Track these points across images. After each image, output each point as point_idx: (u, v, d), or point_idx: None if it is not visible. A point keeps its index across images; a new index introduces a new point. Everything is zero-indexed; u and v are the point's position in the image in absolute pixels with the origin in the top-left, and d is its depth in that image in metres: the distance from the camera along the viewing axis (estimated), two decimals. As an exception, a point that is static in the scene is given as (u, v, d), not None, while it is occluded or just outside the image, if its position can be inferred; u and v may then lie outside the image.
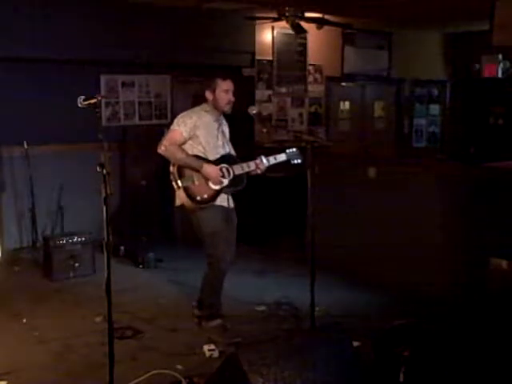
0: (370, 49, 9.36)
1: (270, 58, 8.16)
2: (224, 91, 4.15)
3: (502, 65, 7.53)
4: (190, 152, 4.11)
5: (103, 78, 6.95)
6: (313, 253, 3.79)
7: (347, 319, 4.01)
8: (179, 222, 6.41)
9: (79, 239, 5.58)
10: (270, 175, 5.06)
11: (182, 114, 4.22)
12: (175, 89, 7.53)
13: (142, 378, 3.43)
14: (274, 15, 7.03)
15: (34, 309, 4.73)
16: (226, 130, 4.37)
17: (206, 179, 4.08)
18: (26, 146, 6.21)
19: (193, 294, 4.55)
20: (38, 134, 6.25)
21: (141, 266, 5.89)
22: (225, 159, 4.18)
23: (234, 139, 4.42)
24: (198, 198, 4.06)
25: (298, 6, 6.89)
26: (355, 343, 3.62)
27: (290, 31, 7.32)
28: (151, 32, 6.59)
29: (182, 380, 3.41)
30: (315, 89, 8.76)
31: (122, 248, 6.17)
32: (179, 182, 4.05)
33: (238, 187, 4.23)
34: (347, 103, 9.32)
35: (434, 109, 10.45)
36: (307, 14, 7.15)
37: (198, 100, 4.33)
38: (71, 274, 5.49)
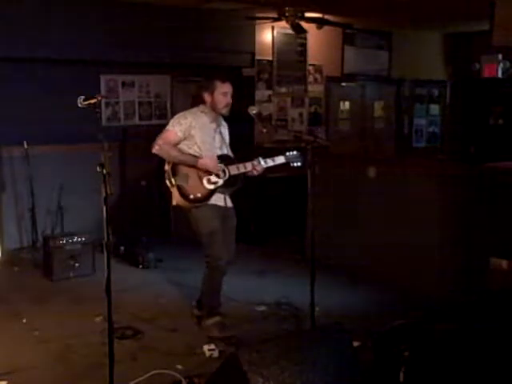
0: (370, 49, 9.36)
1: (270, 58, 8.16)
2: (222, 94, 4.13)
3: (502, 65, 7.51)
4: (186, 152, 4.11)
5: (103, 78, 6.96)
6: (313, 253, 3.79)
7: (347, 319, 4.00)
8: (179, 221, 6.42)
9: (79, 239, 5.57)
10: (270, 175, 5.07)
11: (177, 115, 4.22)
12: (175, 89, 7.54)
13: (142, 378, 3.43)
14: (274, 15, 7.03)
15: (34, 309, 4.73)
16: (226, 132, 4.35)
17: (201, 178, 4.07)
18: (26, 145, 6.21)
19: (193, 294, 4.55)
20: (38, 134, 6.25)
21: (141, 266, 5.89)
22: (221, 159, 4.16)
23: (234, 139, 4.41)
24: (191, 196, 4.05)
25: (297, 6, 6.89)
26: (355, 343, 3.62)
27: (290, 31, 7.32)
28: (151, 32, 6.59)
29: (182, 380, 3.41)
30: (315, 89, 8.76)
31: (122, 248, 6.17)
32: (173, 179, 4.04)
33: (234, 187, 4.21)
34: (347, 103, 9.32)
35: (434, 109, 10.45)
36: (307, 14, 7.14)
37: (197, 100, 4.32)
38: (71, 274, 5.49)
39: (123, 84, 7.15)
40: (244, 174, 4.22)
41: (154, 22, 6.62)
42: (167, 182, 4.08)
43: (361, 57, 9.20)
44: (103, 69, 6.88)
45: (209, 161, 4.07)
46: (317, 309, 3.96)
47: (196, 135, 4.11)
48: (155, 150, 4.08)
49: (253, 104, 6.07)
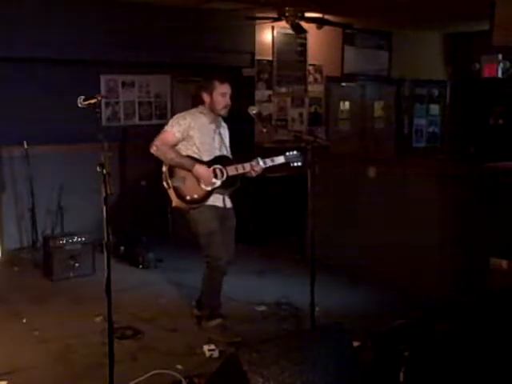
0: (370, 49, 9.36)
1: (270, 58, 8.16)
2: (221, 94, 4.11)
3: (502, 65, 7.51)
4: (184, 153, 4.10)
5: (103, 78, 6.96)
6: (313, 253, 3.79)
7: (347, 319, 4.00)
8: (177, 222, 6.42)
9: (79, 239, 5.57)
10: (270, 175, 5.07)
11: (176, 116, 4.21)
12: (175, 89, 7.54)
13: (142, 378, 3.43)
14: (274, 15, 7.03)
15: (34, 309, 4.73)
16: (225, 133, 4.33)
17: (198, 179, 4.06)
18: (26, 145, 6.21)
19: (193, 294, 4.55)
20: (38, 134, 6.25)
21: (141, 266, 5.89)
22: (219, 160, 4.15)
23: (234, 139, 4.41)
24: (188, 197, 4.05)
25: (297, 6, 6.89)
26: (355, 343, 3.62)
27: (290, 31, 7.32)
28: (151, 32, 6.59)
29: (182, 380, 3.41)
30: (315, 89, 8.76)
31: (122, 248, 6.17)
32: (169, 181, 4.04)
33: (230, 189, 4.20)
34: (347, 103, 9.32)
35: (434, 109, 10.45)
36: (307, 14, 7.14)
37: (197, 100, 4.32)
38: (71, 274, 5.49)
39: (123, 84, 7.15)
40: (242, 174, 4.21)
41: (154, 22, 6.62)
42: (164, 183, 4.09)
43: (361, 57, 9.20)
44: (103, 69, 6.88)
45: (202, 171, 4.04)
46: (317, 309, 3.96)
47: (195, 136, 4.09)
48: (152, 150, 4.08)
49: (253, 104, 6.07)
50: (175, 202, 4.09)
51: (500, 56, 7.46)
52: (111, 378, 3.04)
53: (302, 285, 4.11)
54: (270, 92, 8.23)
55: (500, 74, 7.56)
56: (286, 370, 2.80)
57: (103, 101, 6.81)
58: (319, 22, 7.50)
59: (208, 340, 4.01)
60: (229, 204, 4.25)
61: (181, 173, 4.06)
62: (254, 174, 4.22)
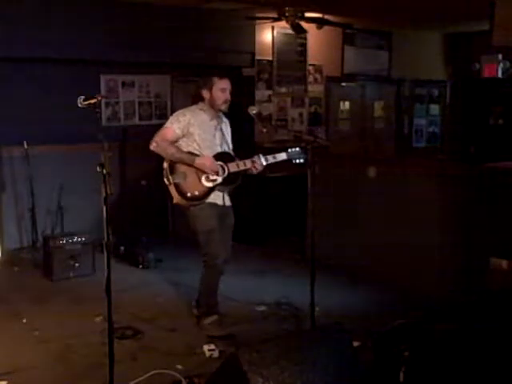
0: (370, 49, 9.36)
1: (270, 58, 8.16)
2: (221, 90, 4.10)
3: (502, 65, 7.51)
4: (185, 149, 4.09)
5: (103, 78, 6.96)
6: (313, 253, 3.79)
7: (347, 319, 4.01)
8: (178, 221, 6.42)
9: (79, 239, 5.57)
10: (270, 175, 5.07)
11: (176, 112, 4.20)
12: (175, 89, 7.54)
13: (142, 378, 3.43)
14: (274, 15, 7.03)
15: (34, 309, 4.73)
16: (227, 129, 4.32)
17: (199, 176, 4.05)
18: (26, 146, 6.21)
19: (192, 294, 4.55)
20: (38, 134, 6.25)
21: (141, 266, 5.89)
22: (220, 157, 4.13)
23: (234, 139, 4.40)
24: (189, 194, 4.04)
25: (297, 6, 6.89)
26: (355, 343, 3.62)
27: (290, 31, 7.32)
28: (151, 32, 6.59)
29: (182, 380, 3.41)
30: (315, 89, 8.76)
31: (122, 248, 6.17)
32: (170, 177, 4.03)
33: (231, 185, 4.19)
34: (347, 103, 9.33)
35: (434, 109, 10.46)
36: (307, 14, 7.15)
37: (197, 99, 4.31)
38: (71, 274, 5.49)
39: (123, 84, 7.15)
40: (244, 171, 4.20)
41: (154, 22, 6.62)
42: (165, 179, 4.07)
43: (361, 57, 9.21)
44: (103, 69, 6.88)
45: (206, 161, 4.04)
46: (317, 309, 3.96)
47: (195, 133, 4.09)
48: (152, 146, 4.07)
49: (253, 104, 6.07)
50: (176, 198, 4.08)
51: (500, 56, 7.45)
52: (111, 378, 3.04)
53: (302, 285, 4.11)
54: (270, 92, 8.23)
55: (500, 74, 7.56)
56: (286, 369, 2.80)
57: (103, 101, 6.81)
58: (319, 22, 7.50)
59: (208, 339, 4.01)
60: (228, 202, 4.25)
61: (181, 169, 4.05)
62: (255, 171, 4.20)
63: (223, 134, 4.24)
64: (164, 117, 7.40)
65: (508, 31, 5.02)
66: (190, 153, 4.09)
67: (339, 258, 5.52)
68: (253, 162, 4.15)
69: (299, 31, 7.24)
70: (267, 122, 7.90)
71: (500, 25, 5.08)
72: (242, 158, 4.25)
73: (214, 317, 4.23)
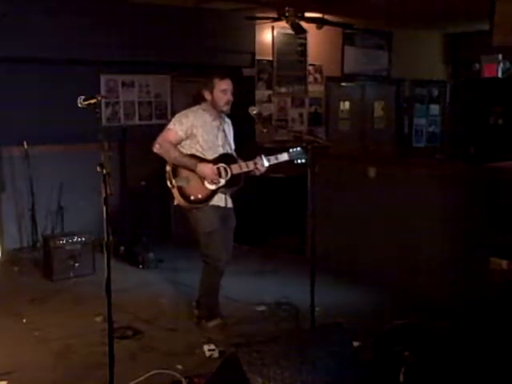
0: (370, 49, 9.37)
1: (270, 58, 8.17)
2: (222, 91, 4.08)
3: (502, 65, 7.53)
4: (188, 151, 4.07)
5: (103, 78, 6.96)
6: (313, 253, 3.79)
7: (347, 319, 4.01)
8: (179, 221, 6.42)
9: (79, 239, 5.57)
10: (271, 175, 5.06)
11: (178, 114, 4.17)
12: (175, 89, 7.54)
13: (142, 378, 3.43)
14: (274, 15, 7.03)
15: (34, 309, 4.73)
16: (229, 129, 4.30)
17: (202, 179, 4.04)
18: (26, 145, 6.21)
19: (193, 294, 4.55)
20: (38, 134, 6.25)
21: (141, 266, 5.88)
22: (223, 158, 4.12)
23: (234, 140, 4.40)
24: (192, 197, 4.02)
25: (297, 6, 6.89)
26: (355, 343, 3.62)
27: (290, 31, 7.32)
28: (151, 32, 6.59)
29: (182, 380, 3.41)
30: (315, 89, 8.76)
31: (122, 248, 6.17)
32: (173, 181, 4.01)
33: (234, 187, 4.18)
34: (347, 103, 9.33)
35: (434, 109, 10.46)
36: (307, 14, 7.15)
37: (196, 101, 4.31)
38: (71, 274, 5.49)
39: (123, 84, 7.15)
40: (247, 173, 4.19)
41: (154, 22, 6.62)
42: (168, 182, 4.05)
43: (361, 57, 9.21)
44: (103, 69, 6.88)
45: (206, 169, 4.01)
46: (317, 309, 3.96)
47: (198, 134, 4.06)
48: (155, 149, 4.05)
49: (253, 104, 6.06)
50: (179, 201, 4.06)
51: (500, 56, 7.47)
52: (111, 378, 3.04)
53: (302, 285, 4.11)
54: (270, 92, 8.24)
55: (500, 74, 7.58)
56: (286, 370, 2.80)
57: (103, 101, 6.80)
58: (319, 22, 7.50)
59: (208, 340, 4.01)
60: (230, 204, 4.24)
61: (184, 172, 4.03)
62: (257, 173, 4.18)
63: (225, 135, 4.22)
64: (164, 117, 7.42)
65: (508, 31, 5.02)
66: (192, 156, 4.06)
67: (339, 258, 5.52)
68: (255, 163, 4.13)
69: (299, 31, 7.24)
70: (267, 122, 7.90)
71: (500, 25, 5.08)
72: (243, 158, 4.25)
73: (217, 320, 4.22)
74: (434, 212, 5.01)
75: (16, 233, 6.45)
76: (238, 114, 4.29)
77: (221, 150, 4.16)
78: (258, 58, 7.93)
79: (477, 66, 7.86)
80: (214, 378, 2.99)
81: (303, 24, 7.18)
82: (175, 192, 4.04)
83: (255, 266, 5.84)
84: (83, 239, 5.59)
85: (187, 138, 4.07)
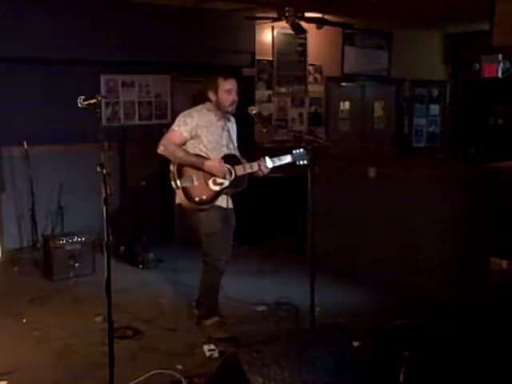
0: (370, 49, 9.37)
1: (270, 58, 8.17)
2: (227, 91, 4.05)
3: (502, 65, 7.53)
4: (192, 152, 4.05)
5: (103, 78, 6.96)
6: (313, 253, 3.79)
7: (347, 319, 4.01)
8: (179, 221, 6.41)
9: (79, 239, 5.57)
10: (271, 175, 5.04)
11: (183, 113, 4.12)
12: (175, 89, 7.54)
13: (142, 378, 3.43)
14: (274, 15, 7.03)
15: (34, 309, 4.73)
16: (233, 128, 4.28)
17: (206, 180, 4.02)
18: (26, 145, 6.21)
19: (193, 294, 4.55)
20: (38, 134, 6.25)
21: (141, 266, 5.89)
22: (227, 159, 4.10)
23: (234, 139, 4.40)
24: (197, 199, 4.01)
25: (298, 6, 6.89)
26: (355, 343, 3.62)
27: (290, 31, 7.32)
28: (151, 32, 6.58)
29: (182, 380, 3.41)
30: (315, 89, 8.76)
31: (122, 248, 6.17)
32: (178, 182, 3.98)
33: (238, 188, 4.17)
34: (347, 103, 9.33)
35: (434, 109, 10.46)
36: (307, 14, 7.15)
37: (198, 100, 4.30)
38: (71, 274, 5.49)
39: (123, 84, 7.15)
40: (251, 174, 4.17)
41: (154, 22, 6.62)
42: (172, 183, 4.01)
43: (361, 57, 9.21)
44: (103, 69, 6.88)
45: (215, 164, 3.99)
46: (317, 309, 3.96)
47: (202, 135, 4.04)
48: (160, 150, 4.01)
49: (253, 104, 6.05)
50: (183, 202, 4.03)
51: (500, 56, 7.47)
52: (111, 378, 3.04)
53: (302, 285, 4.11)
54: (270, 92, 8.24)
55: (500, 74, 7.58)
56: (286, 370, 2.80)
57: (103, 101, 6.80)
58: (319, 22, 7.50)
59: (208, 340, 4.01)
60: (230, 204, 4.22)
61: (189, 173, 4.00)
62: (261, 174, 4.17)
63: (230, 134, 4.20)
64: (164, 117, 7.43)
65: (508, 31, 5.02)
66: (197, 155, 4.04)
67: (339, 258, 5.52)
68: (259, 164, 4.12)
69: (299, 31, 7.24)
70: (267, 122, 7.89)
71: (500, 25, 5.08)
72: (243, 158, 4.25)
73: (215, 318, 4.22)
74: (434, 212, 5.01)
75: (16, 233, 6.45)
76: (237, 113, 4.29)
77: (225, 150, 4.14)
78: (258, 57, 7.93)
79: (477, 66, 7.87)
80: (213, 378, 2.99)
81: (303, 24, 7.18)
82: (180, 193, 4.02)
83: (255, 265, 5.84)
84: (83, 239, 5.58)
85: (191, 138, 4.04)
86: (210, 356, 3.79)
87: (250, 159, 4.24)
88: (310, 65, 8.62)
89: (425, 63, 9.84)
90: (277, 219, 6.71)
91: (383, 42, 9.54)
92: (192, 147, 4.07)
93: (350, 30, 8.55)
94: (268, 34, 8.06)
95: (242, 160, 4.20)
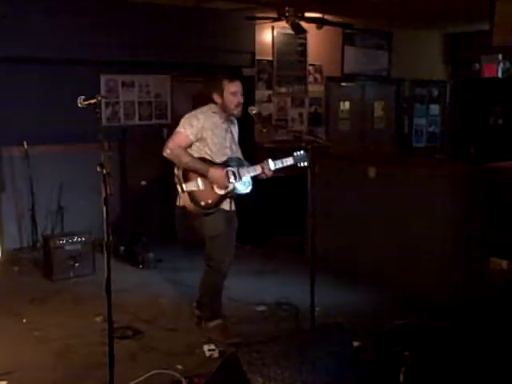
0: (370, 49, 9.37)
1: (270, 58, 8.17)
2: (232, 93, 4.02)
3: (501, 65, 7.54)
4: (197, 154, 4.02)
5: (103, 78, 6.96)
6: (313, 253, 3.79)
7: (347, 319, 4.01)
8: (181, 223, 6.41)
9: (79, 239, 5.57)
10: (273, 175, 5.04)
11: (188, 115, 4.08)
12: (175, 89, 7.54)
13: (142, 378, 3.43)
14: (274, 15, 7.03)
15: (34, 309, 4.73)
16: (236, 129, 4.27)
17: (212, 183, 4.00)
18: (26, 145, 6.21)
19: (193, 294, 4.55)
20: (38, 134, 6.25)
21: (141, 266, 5.89)
22: (231, 162, 4.09)
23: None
24: (203, 203, 3.98)
25: (297, 6, 6.89)
26: (355, 343, 3.62)
27: (290, 31, 7.32)
28: (151, 32, 6.58)
29: (182, 380, 3.41)
30: (315, 89, 8.76)
31: (122, 248, 6.17)
32: (184, 186, 3.96)
33: (241, 191, 4.14)
34: (347, 103, 9.33)
35: (434, 109, 10.46)
36: (307, 14, 7.15)
37: (198, 100, 4.30)
38: (71, 274, 5.49)
39: (123, 84, 7.15)
40: (255, 177, 4.15)
41: (154, 22, 6.62)
42: (178, 187, 3.99)
43: (361, 57, 9.22)
44: (103, 69, 6.88)
45: (217, 175, 3.97)
46: (317, 309, 3.96)
47: (208, 137, 4.01)
48: (166, 154, 3.97)
49: (253, 104, 6.06)
50: (188, 205, 4.00)
51: (500, 56, 7.47)
52: (111, 378, 3.04)
53: (302, 285, 4.11)
54: (270, 92, 8.24)
55: (500, 74, 7.58)
56: (286, 370, 2.80)
57: (103, 101, 6.80)
58: (319, 22, 7.50)
59: (208, 340, 4.01)
60: (233, 207, 4.20)
61: (195, 177, 3.98)
62: (264, 177, 4.16)
63: (233, 136, 4.20)
64: (164, 117, 7.43)
65: (508, 31, 5.01)
66: (202, 160, 4.01)
67: (339, 258, 5.52)
68: (262, 167, 4.11)
69: (299, 31, 7.24)
70: (267, 122, 7.89)
71: (500, 25, 5.08)
72: (245, 160, 4.24)
73: (218, 321, 4.21)
74: (434, 212, 5.01)
75: (16, 233, 6.45)
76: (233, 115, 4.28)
77: (228, 152, 4.13)
78: (258, 57, 7.93)
79: (477, 66, 7.87)
80: (213, 378, 2.99)
81: (303, 24, 7.18)
82: (185, 197, 3.99)
83: (255, 265, 5.84)
84: (83, 239, 5.59)
85: (197, 140, 4.01)
86: (210, 356, 3.80)
87: (250, 159, 4.25)
88: (310, 65, 8.62)
89: (425, 63, 9.84)
90: (277, 219, 6.71)
91: (383, 42, 9.54)
92: (197, 149, 4.04)
93: (350, 30, 8.55)
94: (268, 34, 8.07)
95: (245, 162, 4.19)
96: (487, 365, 3.11)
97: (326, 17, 7.56)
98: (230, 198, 4.13)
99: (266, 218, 6.71)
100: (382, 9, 7.28)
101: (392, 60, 9.62)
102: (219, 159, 4.06)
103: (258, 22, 7.46)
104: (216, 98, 4.08)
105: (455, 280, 4.75)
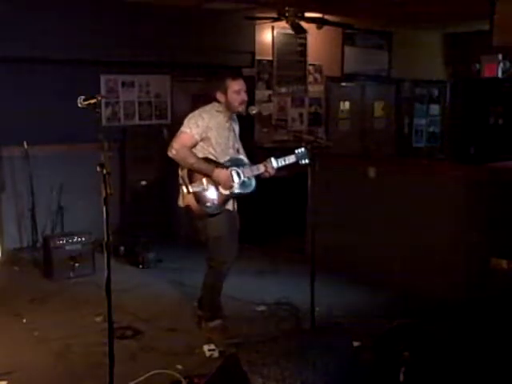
0: (370, 49, 9.37)
1: (270, 58, 8.17)
2: (236, 92, 4.03)
3: (502, 65, 7.54)
4: (201, 154, 4.02)
5: (103, 78, 6.95)
6: (313, 253, 3.79)
7: (347, 319, 4.01)
8: (179, 221, 6.41)
9: (79, 239, 5.57)
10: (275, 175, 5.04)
11: (192, 115, 4.07)
12: (175, 89, 7.54)
13: (142, 378, 3.43)
14: (274, 15, 7.03)
15: (34, 309, 4.73)
16: (237, 128, 4.27)
17: (216, 184, 4.00)
18: (26, 145, 6.21)
19: (193, 294, 4.55)
20: (38, 134, 6.24)
21: (141, 266, 5.89)
22: (235, 162, 4.09)
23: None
24: (208, 204, 3.98)
25: (297, 6, 6.89)
26: (355, 343, 3.63)
27: (290, 31, 7.32)
28: (151, 32, 6.59)
29: (182, 380, 3.41)
30: (315, 89, 8.76)
31: (122, 248, 6.17)
32: (190, 187, 3.94)
33: (245, 191, 4.15)
34: (347, 103, 9.33)
35: (434, 109, 10.46)
36: (307, 14, 7.15)
37: (197, 100, 4.30)
38: (71, 274, 5.49)
39: (123, 84, 7.14)
40: (258, 176, 4.15)
41: (154, 22, 6.62)
42: (183, 188, 3.97)
43: (361, 57, 9.21)
44: (103, 69, 6.88)
45: (222, 176, 3.97)
46: (317, 309, 3.96)
47: (212, 137, 4.01)
48: (171, 154, 3.96)
49: (253, 104, 6.06)
50: (193, 206, 3.99)
51: (500, 56, 7.48)
52: (111, 378, 3.04)
53: (302, 285, 4.11)
54: (270, 92, 8.24)
55: (500, 74, 7.59)
56: (286, 369, 2.81)
57: (103, 101, 6.80)
58: (319, 22, 7.50)
59: (208, 340, 4.01)
60: (236, 207, 4.22)
61: (200, 177, 3.97)
62: (267, 175, 4.16)
63: (235, 134, 4.20)
64: (164, 117, 7.42)
65: (508, 31, 5.02)
66: (207, 160, 4.00)
67: (339, 257, 5.52)
68: (265, 166, 4.11)
69: (299, 31, 7.24)
70: (267, 121, 7.90)
71: (500, 25, 5.08)
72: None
73: (218, 321, 4.21)
74: (433, 212, 5.01)
75: (16, 233, 6.44)
76: (237, 113, 4.29)
77: (231, 152, 4.13)
78: (258, 57, 7.94)
79: (477, 66, 7.87)
80: (213, 378, 2.99)
81: (303, 24, 7.18)
82: (190, 198, 3.98)
83: (255, 265, 5.84)
84: (83, 239, 5.59)
85: (201, 140, 4.01)
86: (210, 356, 3.79)
87: (250, 159, 4.25)
88: (310, 65, 8.61)
89: (425, 63, 9.83)
90: (277, 219, 6.71)
91: (383, 42, 9.54)
92: (201, 149, 4.03)
93: (350, 30, 8.55)
94: (268, 34, 8.06)
95: (248, 162, 4.19)
96: (487, 365, 3.11)
97: (326, 17, 7.55)
98: (233, 198, 4.13)
99: (266, 218, 6.71)
100: (381, 9, 7.28)
101: (392, 60, 9.62)
102: (222, 159, 4.07)
103: (258, 21, 7.46)
104: (220, 96, 4.08)
105: (455, 280, 4.75)
